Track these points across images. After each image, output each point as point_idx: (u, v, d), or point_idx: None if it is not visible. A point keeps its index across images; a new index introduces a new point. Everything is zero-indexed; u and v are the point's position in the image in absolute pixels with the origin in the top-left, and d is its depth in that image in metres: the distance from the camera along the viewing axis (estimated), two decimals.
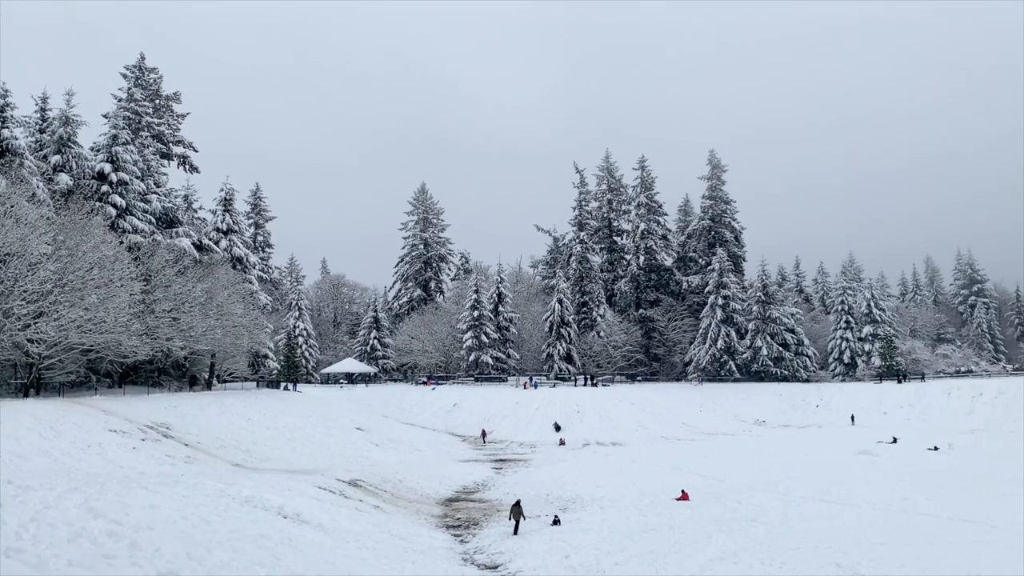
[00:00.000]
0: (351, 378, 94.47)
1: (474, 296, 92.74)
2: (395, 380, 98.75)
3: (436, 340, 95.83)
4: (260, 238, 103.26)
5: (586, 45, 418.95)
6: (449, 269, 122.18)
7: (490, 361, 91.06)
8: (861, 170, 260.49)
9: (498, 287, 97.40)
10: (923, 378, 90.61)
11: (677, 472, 44.16)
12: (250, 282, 67.81)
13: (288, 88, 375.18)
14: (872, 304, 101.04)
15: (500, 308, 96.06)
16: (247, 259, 70.83)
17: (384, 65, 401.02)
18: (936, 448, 56.39)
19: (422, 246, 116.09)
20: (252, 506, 24.19)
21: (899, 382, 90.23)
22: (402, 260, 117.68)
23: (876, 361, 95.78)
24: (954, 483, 39.93)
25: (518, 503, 29.96)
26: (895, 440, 62.05)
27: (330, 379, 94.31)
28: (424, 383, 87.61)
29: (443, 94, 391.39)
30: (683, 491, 35.34)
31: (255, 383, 71.26)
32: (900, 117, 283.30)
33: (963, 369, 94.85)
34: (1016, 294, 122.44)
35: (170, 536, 16.94)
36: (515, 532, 28.74)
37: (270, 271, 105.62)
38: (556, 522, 29.70)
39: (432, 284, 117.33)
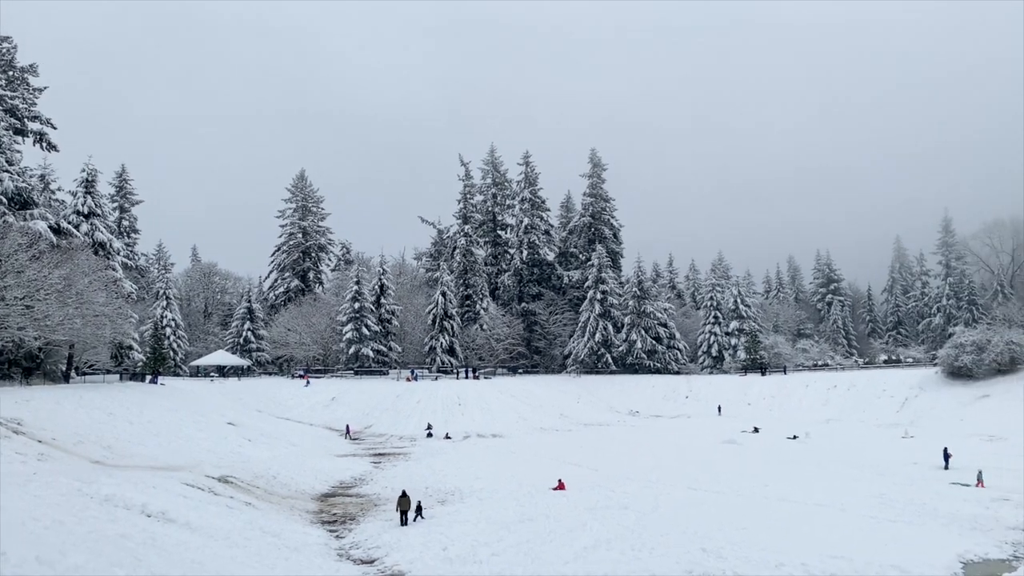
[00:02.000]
0: (223, 371, 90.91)
1: (355, 287, 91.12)
2: (270, 373, 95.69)
3: (314, 332, 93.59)
4: (126, 223, 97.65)
5: (474, 41, 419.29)
6: (329, 259, 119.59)
7: (371, 354, 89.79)
8: (735, 174, 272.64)
9: (380, 279, 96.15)
10: (785, 371, 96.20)
11: (555, 462, 45.04)
12: (114, 269, 64.02)
13: (170, 71, 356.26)
14: (739, 301, 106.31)
15: (382, 300, 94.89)
16: (111, 244, 66.86)
17: (264, 61, 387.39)
18: (795, 437, 60.03)
19: (300, 235, 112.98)
20: (112, 505, 22.90)
21: (762, 374, 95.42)
22: (279, 249, 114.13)
23: (742, 354, 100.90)
24: (810, 470, 42.65)
25: (404, 493, 29.73)
26: (757, 430, 65.60)
27: (200, 372, 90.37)
28: (301, 376, 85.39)
29: (327, 84, 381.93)
30: (560, 481, 36.08)
31: (118, 376, 67.36)
32: (777, 128, 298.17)
33: (820, 363, 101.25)
34: (868, 293, 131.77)
35: (18, 539, 15.75)
36: (403, 523, 28.57)
37: (136, 258, 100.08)
38: (405, 521, 28.91)
39: (311, 274, 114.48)
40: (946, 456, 43.17)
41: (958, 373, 79.74)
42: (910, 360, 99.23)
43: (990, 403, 72.14)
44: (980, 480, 36.03)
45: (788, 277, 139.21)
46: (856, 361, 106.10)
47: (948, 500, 32.88)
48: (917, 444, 53.99)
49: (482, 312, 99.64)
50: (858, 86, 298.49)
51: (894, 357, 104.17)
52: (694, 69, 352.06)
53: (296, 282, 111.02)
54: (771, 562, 22.39)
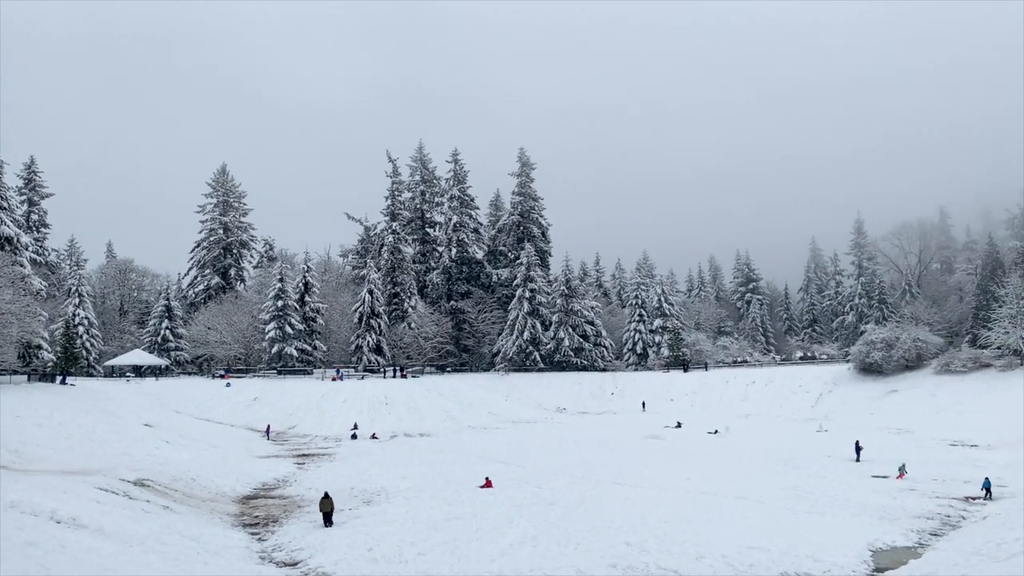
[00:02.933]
0: (139, 371, 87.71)
1: (278, 285, 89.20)
2: (189, 373, 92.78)
3: (236, 331, 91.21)
4: (35, 216, 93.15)
5: (402, 38, 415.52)
6: (252, 256, 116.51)
7: (295, 353, 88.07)
8: (660, 171, 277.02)
9: (305, 276, 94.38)
10: (706, 368, 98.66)
11: (482, 461, 45.13)
12: (21, 265, 61.05)
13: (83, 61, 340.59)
14: (663, 299, 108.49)
15: (307, 298, 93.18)
16: (18, 239, 63.71)
17: (189, 55, 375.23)
18: (715, 432, 61.66)
19: (222, 231, 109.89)
20: (19, 512, 21.90)
21: (685, 371, 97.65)
22: (199, 245, 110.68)
23: (665, 352, 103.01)
24: (730, 464, 43.91)
25: (327, 495, 29.31)
26: (680, 425, 67.10)
27: (115, 372, 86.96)
28: (221, 376, 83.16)
29: (252, 78, 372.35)
30: (487, 479, 36.17)
31: (26, 376, 64.25)
32: (703, 129, 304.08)
33: (740, 359, 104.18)
34: (785, 292, 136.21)
35: None
36: (327, 524, 28.16)
37: (46, 253, 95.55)
38: (329, 523, 28.47)
39: (232, 271, 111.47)
40: (857, 449, 45.03)
41: (869, 369, 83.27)
42: (824, 357, 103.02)
43: (898, 398, 75.59)
44: (902, 472, 37.51)
45: (709, 276, 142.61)
46: (774, 358, 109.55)
47: (859, 491, 34.34)
48: (831, 437, 56.14)
49: (410, 310, 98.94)
50: (781, 86, 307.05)
51: (809, 354, 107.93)
52: (635, 67, 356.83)
53: (217, 279, 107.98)
54: (692, 554, 22.97)
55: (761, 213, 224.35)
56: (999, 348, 73.37)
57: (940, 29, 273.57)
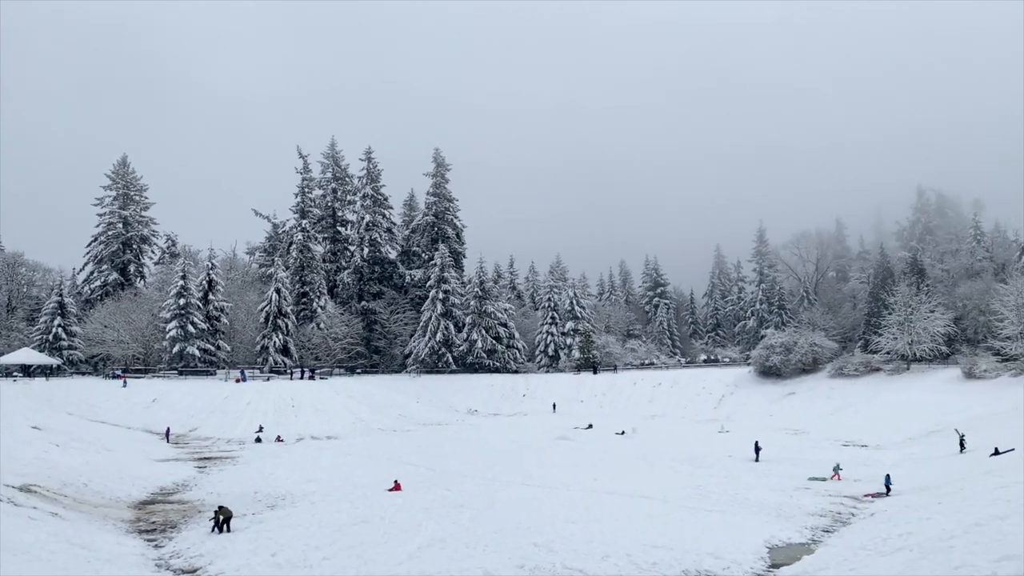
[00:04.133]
0: (28, 370, 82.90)
1: (181, 282, 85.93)
2: (84, 373, 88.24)
3: (134, 329, 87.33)
4: None
5: (322, 32, 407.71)
6: (153, 252, 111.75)
7: (197, 353, 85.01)
8: (575, 176, 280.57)
9: (209, 273, 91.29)
10: (615, 370, 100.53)
11: (392, 463, 44.66)
12: None
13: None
14: (575, 302, 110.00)
15: (211, 296, 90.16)
16: None
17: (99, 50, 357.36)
18: (623, 432, 62.86)
19: (121, 225, 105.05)
20: None
21: (594, 373, 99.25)
22: (96, 240, 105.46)
23: (576, 354, 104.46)
24: (636, 464, 44.84)
25: (221, 507, 28.39)
26: (590, 426, 68.11)
27: (2, 371, 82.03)
28: (117, 377, 79.48)
29: (156, 65, 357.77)
30: (396, 481, 35.82)
31: None
32: (621, 131, 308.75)
33: (647, 362, 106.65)
34: (691, 297, 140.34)
35: None
36: (221, 531, 27.25)
37: None
38: (220, 528, 27.44)
39: (132, 267, 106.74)
40: (757, 449, 46.69)
41: (768, 372, 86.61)
42: (727, 360, 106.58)
43: (795, 400, 78.88)
44: (836, 472, 38.91)
45: (620, 280, 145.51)
46: (679, 360, 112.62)
47: (757, 490, 35.60)
48: (732, 438, 58.03)
49: (319, 310, 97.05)
50: (692, 88, 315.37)
51: (713, 357, 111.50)
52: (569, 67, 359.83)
53: (115, 275, 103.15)
54: (598, 553, 23.33)
55: (673, 217, 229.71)
56: (888, 353, 77.57)
57: (839, 40, 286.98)
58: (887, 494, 33.55)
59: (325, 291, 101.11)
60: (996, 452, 38.24)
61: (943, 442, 47.91)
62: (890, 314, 78.05)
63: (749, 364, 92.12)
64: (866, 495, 34.21)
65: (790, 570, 21.83)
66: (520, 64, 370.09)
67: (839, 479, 37.21)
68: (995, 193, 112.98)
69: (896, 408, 64.21)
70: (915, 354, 75.21)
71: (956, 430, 45.53)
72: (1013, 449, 37.75)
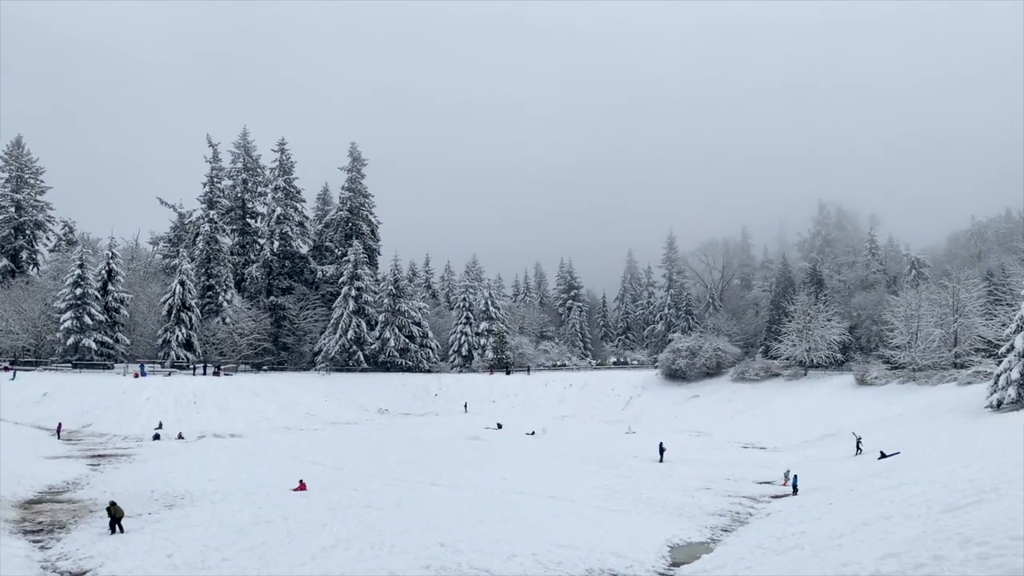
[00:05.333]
0: None
1: (78, 271, 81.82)
2: None
3: (26, 319, 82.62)
4: None
5: (238, 19, 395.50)
6: (48, 239, 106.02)
7: (94, 346, 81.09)
8: (493, 176, 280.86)
9: (109, 263, 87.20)
10: (528, 371, 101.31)
11: (297, 462, 43.76)
12: None
13: None
14: (490, 303, 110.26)
15: (110, 287, 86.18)
16: None
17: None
18: (533, 433, 63.42)
19: (13, 209, 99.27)
20: None
21: (507, 374, 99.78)
22: None
23: (490, 354, 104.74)
24: (545, 464, 45.29)
25: (113, 503, 27.21)
26: (501, 426, 68.43)
27: None
28: (6, 369, 75.08)
29: (60, 39, 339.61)
30: (301, 481, 35.11)
31: None
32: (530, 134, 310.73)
33: (559, 363, 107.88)
34: (603, 300, 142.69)
35: None
36: (114, 531, 26.09)
37: None
38: (114, 528, 26.26)
39: (24, 254, 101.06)
40: (661, 450, 47.87)
41: (674, 375, 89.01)
42: (636, 363, 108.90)
43: (699, 402, 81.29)
44: (786, 478, 39.78)
45: (535, 282, 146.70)
46: (590, 362, 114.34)
47: (661, 490, 36.51)
48: (638, 439, 59.35)
49: (226, 304, 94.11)
50: (598, 93, 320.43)
51: (622, 359, 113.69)
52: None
53: (5, 262, 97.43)
54: (505, 553, 23.43)
55: (589, 221, 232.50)
56: (787, 359, 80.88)
57: (750, 54, 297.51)
58: (795, 494, 34.91)
59: (232, 285, 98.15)
60: (883, 455, 40.36)
61: (837, 445, 50.33)
62: (790, 322, 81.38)
63: (657, 367, 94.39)
64: (775, 495, 35.53)
65: (690, 568, 22.44)
66: (433, 60, 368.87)
67: (786, 484, 37.98)
68: (890, 210, 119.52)
69: (793, 412, 66.97)
70: (812, 360, 78.63)
71: (854, 433, 47.92)
72: (898, 452, 39.93)
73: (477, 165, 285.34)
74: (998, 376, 46.03)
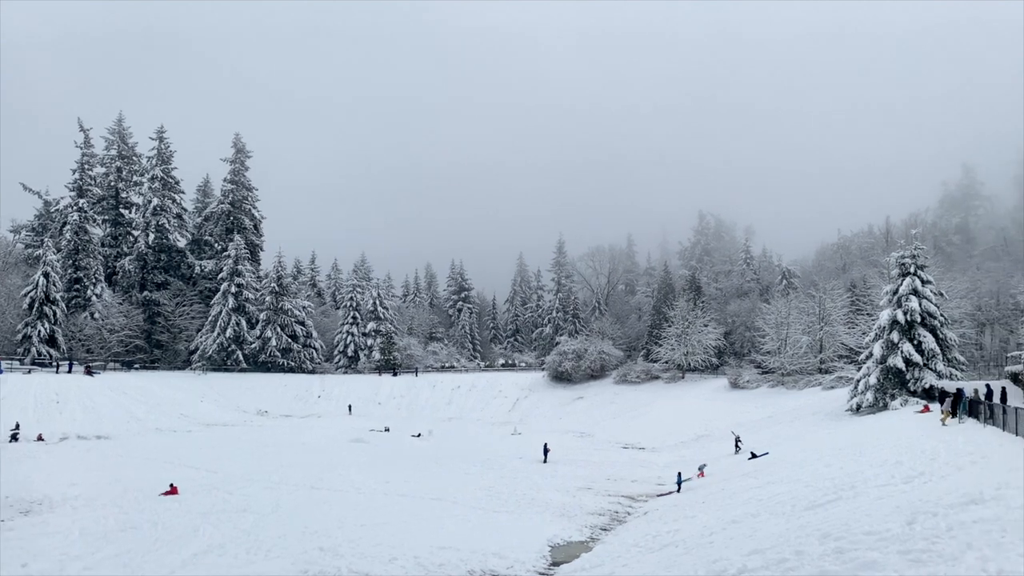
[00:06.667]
0: None
1: None
2: None
3: None
4: None
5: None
6: None
7: None
8: (384, 177, 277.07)
9: None
10: (416, 372, 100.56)
11: (170, 466, 41.77)
12: None
13: None
14: (378, 302, 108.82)
15: None
16: None
17: None
18: (419, 435, 63.02)
19: None
20: None
21: (395, 375, 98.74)
22: None
23: (377, 355, 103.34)
24: (430, 466, 45.08)
25: None
26: (387, 429, 67.62)
27: None
28: None
29: None
30: (172, 485, 33.58)
31: None
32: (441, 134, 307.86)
33: (448, 364, 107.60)
34: (493, 302, 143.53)
35: None
36: None
37: None
38: None
39: None
40: (545, 451, 48.59)
41: (560, 377, 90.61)
42: (523, 365, 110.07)
43: (583, 404, 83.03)
44: (701, 471, 40.86)
45: (425, 283, 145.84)
46: (479, 364, 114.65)
47: (544, 491, 37.04)
48: (524, 440, 60.01)
49: (95, 299, 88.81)
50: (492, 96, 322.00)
51: (511, 361, 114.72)
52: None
53: None
54: (386, 556, 23.17)
55: (482, 223, 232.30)
56: (667, 362, 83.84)
57: (640, 71, 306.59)
58: (678, 491, 36.13)
59: (103, 278, 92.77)
60: (753, 455, 42.37)
61: (711, 445, 52.53)
62: (670, 326, 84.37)
63: (544, 369, 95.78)
64: (660, 494, 36.67)
65: (569, 567, 22.85)
66: (351, 58, 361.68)
67: (703, 475, 39.54)
68: (764, 223, 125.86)
69: (671, 414, 69.44)
70: (690, 364, 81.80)
71: (733, 432, 50.24)
72: (767, 452, 42.04)
73: (368, 165, 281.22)
74: (858, 381, 49.33)
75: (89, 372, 77.70)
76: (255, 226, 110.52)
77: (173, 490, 33.08)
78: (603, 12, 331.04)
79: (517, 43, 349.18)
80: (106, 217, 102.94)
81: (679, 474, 38.00)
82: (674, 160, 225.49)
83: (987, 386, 38.50)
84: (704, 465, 42.11)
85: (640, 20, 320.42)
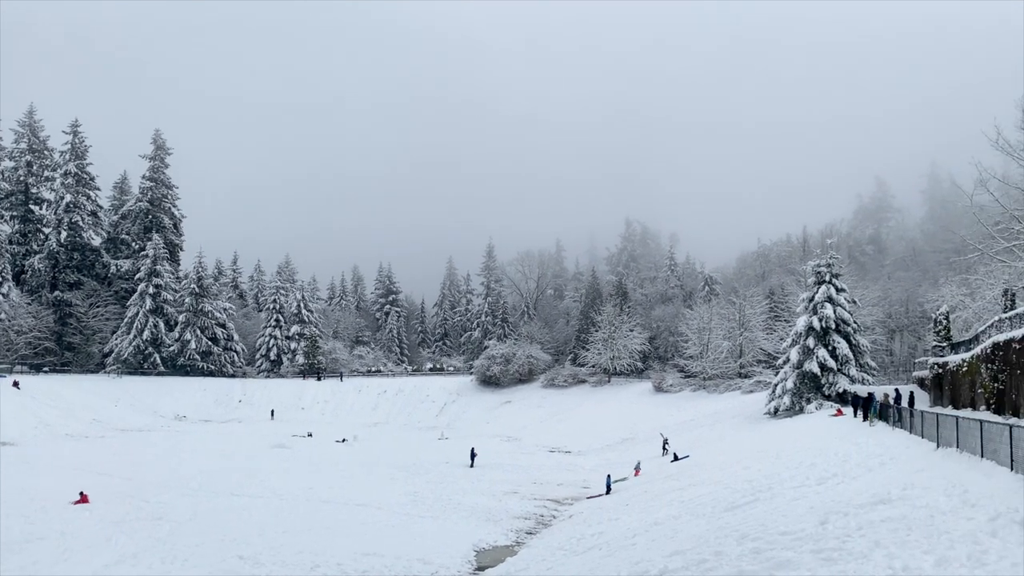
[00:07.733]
0: None
1: None
2: None
3: None
4: None
5: None
6: None
7: None
8: (309, 181, 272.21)
9: None
10: (341, 377, 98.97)
11: (80, 473, 40.03)
12: None
13: None
14: (302, 305, 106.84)
15: None
16: None
17: None
18: (344, 440, 62.11)
19: None
20: None
21: (319, 379, 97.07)
22: None
23: (301, 359, 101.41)
24: (355, 471, 44.49)
25: None
26: (311, 434, 66.36)
27: None
28: None
29: None
30: (82, 493, 32.20)
31: None
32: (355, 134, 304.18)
33: (374, 369, 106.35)
34: (422, 306, 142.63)
35: None
36: None
37: None
38: None
39: None
40: (472, 455, 48.54)
41: (489, 381, 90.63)
42: (452, 369, 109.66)
43: (511, 408, 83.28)
44: (637, 469, 41.10)
45: (352, 286, 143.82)
46: (406, 368, 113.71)
47: (470, 495, 36.98)
48: (451, 445, 59.76)
49: (1, 299, 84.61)
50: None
51: (439, 366, 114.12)
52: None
53: None
54: (308, 564, 22.75)
55: (411, 228, 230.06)
56: (594, 367, 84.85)
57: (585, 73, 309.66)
58: (608, 493, 36.52)
59: (10, 277, 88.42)
60: (675, 458, 43.26)
61: (635, 448, 53.36)
62: (597, 331, 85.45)
63: (472, 373, 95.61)
64: (589, 496, 37.01)
65: (494, 571, 22.86)
66: (271, 56, 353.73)
67: (639, 474, 39.94)
68: (689, 230, 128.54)
69: (598, 417, 70.29)
70: (616, 368, 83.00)
71: (661, 434, 51.28)
72: (688, 456, 42.96)
73: (296, 168, 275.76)
74: (775, 386, 50.92)
75: None
76: (175, 225, 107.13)
77: (84, 499, 31.69)
78: (544, 19, 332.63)
79: (454, 46, 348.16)
80: (14, 213, 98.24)
81: (608, 476, 38.48)
82: (603, 168, 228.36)
83: (896, 390, 40.27)
84: (640, 463, 42.84)
85: (576, 29, 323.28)
